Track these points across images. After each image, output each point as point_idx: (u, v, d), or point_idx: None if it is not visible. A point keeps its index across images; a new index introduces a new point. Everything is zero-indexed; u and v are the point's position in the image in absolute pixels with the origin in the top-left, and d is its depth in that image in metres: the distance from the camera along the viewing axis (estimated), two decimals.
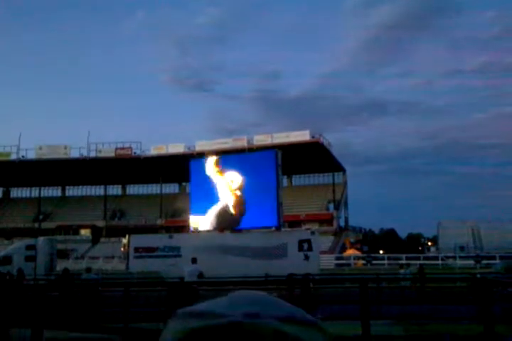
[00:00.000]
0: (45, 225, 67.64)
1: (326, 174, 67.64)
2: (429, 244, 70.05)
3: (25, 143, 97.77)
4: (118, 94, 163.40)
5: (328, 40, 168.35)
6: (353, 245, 57.44)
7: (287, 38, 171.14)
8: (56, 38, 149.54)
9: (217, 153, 41.39)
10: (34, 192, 75.94)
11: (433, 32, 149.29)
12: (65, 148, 67.50)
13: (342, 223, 64.48)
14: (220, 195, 27.31)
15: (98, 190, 75.65)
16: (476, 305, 9.33)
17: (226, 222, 27.14)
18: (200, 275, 13.41)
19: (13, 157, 67.24)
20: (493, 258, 39.04)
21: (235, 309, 0.52)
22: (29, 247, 30.77)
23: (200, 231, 28.19)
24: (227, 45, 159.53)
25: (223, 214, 27.01)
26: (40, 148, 67.41)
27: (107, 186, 73.43)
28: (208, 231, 27.66)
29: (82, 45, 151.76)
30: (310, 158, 60.56)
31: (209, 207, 27.61)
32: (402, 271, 18.33)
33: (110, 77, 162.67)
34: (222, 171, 27.47)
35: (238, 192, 26.86)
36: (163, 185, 70.13)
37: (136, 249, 26.88)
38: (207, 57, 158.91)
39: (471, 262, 40.31)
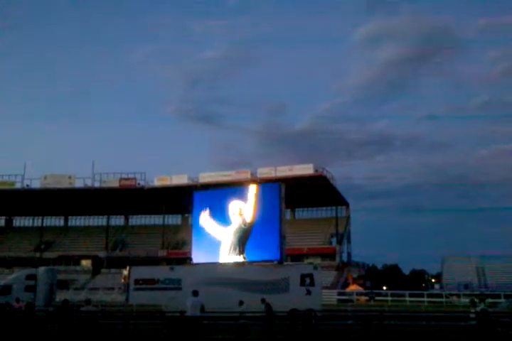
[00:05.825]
0: (47, 255, 67.39)
1: (329, 208, 67.47)
2: (433, 280, 69.07)
3: (31, 172, 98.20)
4: (124, 125, 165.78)
5: (334, 74, 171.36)
6: (355, 280, 56.66)
7: (292, 72, 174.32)
8: (62, 69, 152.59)
9: (220, 185, 41.41)
10: (37, 222, 75.98)
11: (437, 68, 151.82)
12: (70, 177, 67.84)
13: (345, 258, 63.84)
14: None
15: (101, 221, 75.57)
16: None
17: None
18: (202, 308, 13.23)
19: (18, 186, 67.48)
20: (498, 296, 38.44)
21: None
22: (29, 277, 30.36)
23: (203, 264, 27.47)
24: (233, 78, 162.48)
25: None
26: (45, 178, 67.74)
27: (110, 216, 73.31)
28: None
29: (89, 76, 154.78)
30: (313, 192, 60.55)
31: (212, 240, 27.38)
32: None
33: (117, 108, 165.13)
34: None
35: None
36: (166, 216, 70.02)
37: (137, 281, 26.61)
38: (213, 89, 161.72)
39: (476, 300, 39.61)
